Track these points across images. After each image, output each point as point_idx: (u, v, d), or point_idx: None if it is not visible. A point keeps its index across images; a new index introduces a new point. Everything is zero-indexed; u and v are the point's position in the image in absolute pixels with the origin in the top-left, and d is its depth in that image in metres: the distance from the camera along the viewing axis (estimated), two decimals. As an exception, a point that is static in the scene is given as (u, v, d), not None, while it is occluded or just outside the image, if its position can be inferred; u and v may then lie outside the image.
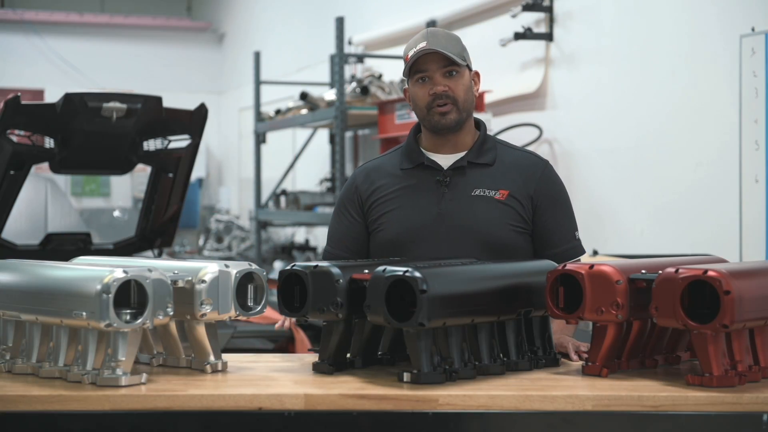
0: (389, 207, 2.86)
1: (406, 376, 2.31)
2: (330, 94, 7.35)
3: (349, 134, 8.45)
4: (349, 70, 8.00)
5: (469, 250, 2.72)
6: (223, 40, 13.09)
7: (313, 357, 2.56)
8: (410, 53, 2.80)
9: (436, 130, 2.85)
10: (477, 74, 2.91)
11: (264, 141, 8.63)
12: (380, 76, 7.33)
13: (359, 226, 2.91)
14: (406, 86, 2.90)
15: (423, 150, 2.90)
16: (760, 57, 4.61)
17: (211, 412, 2.21)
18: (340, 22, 6.97)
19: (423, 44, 2.78)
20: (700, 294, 2.23)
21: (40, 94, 11.89)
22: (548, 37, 6.09)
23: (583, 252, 2.92)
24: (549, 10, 6.07)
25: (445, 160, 2.87)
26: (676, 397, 2.21)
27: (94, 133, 4.39)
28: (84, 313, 2.24)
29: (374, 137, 7.40)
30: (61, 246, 4.74)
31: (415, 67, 2.81)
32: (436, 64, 2.79)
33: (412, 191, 2.85)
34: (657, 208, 5.34)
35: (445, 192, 2.83)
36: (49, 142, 4.46)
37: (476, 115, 2.98)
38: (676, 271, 2.23)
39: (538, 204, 2.85)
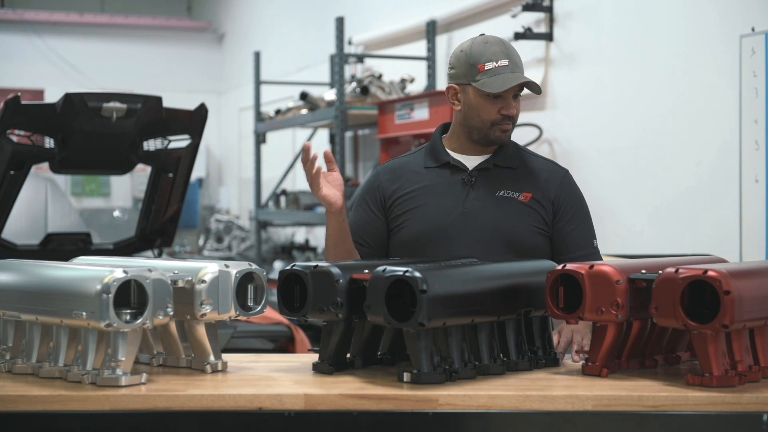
0: (413, 204, 2.87)
1: (406, 376, 2.31)
2: (330, 94, 7.35)
3: (349, 134, 8.45)
4: (349, 70, 7.99)
5: (492, 250, 2.73)
6: (223, 40, 13.09)
7: (313, 357, 2.56)
8: (487, 65, 2.77)
9: (490, 144, 2.87)
10: None
11: (264, 141, 8.63)
12: (380, 76, 7.33)
13: (378, 222, 2.90)
14: (453, 84, 2.84)
15: (448, 151, 2.91)
16: (760, 57, 4.61)
17: (211, 412, 2.21)
18: (340, 22, 6.97)
19: (505, 62, 2.76)
20: (700, 294, 2.23)
21: (40, 94, 11.89)
22: (548, 37, 6.09)
23: (600, 260, 2.90)
24: (549, 10, 6.06)
25: (470, 161, 2.89)
26: (676, 397, 2.21)
27: (94, 133, 4.38)
28: (84, 313, 2.24)
29: (374, 137, 7.40)
30: (61, 246, 4.73)
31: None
32: (513, 87, 2.79)
33: (437, 190, 2.87)
34: (657, 208, 5.33)
35: (470, 191, 2.85)
36: (49, 142, 4.46)
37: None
38: (676, 271, 2.24)
39: (558, 210, 2.88)
